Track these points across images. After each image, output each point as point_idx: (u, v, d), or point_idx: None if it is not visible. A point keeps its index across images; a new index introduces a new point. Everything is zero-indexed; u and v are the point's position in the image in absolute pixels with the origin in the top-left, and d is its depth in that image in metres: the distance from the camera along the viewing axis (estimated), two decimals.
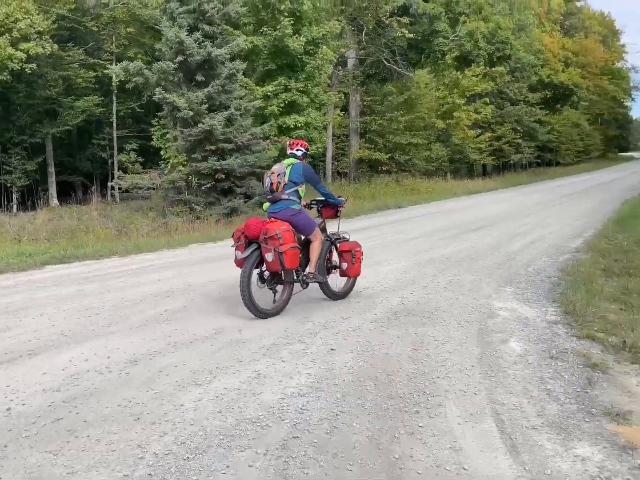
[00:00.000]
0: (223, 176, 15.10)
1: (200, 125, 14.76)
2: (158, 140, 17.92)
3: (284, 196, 6.05)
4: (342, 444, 3.25)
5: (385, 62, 25.86)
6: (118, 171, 19.76)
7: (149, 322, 5.71)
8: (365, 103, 28.25)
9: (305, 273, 6.18)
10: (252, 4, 17.93)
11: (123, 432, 3.40)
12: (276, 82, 17.89)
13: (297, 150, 6.42)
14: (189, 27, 15.38)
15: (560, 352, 4.66)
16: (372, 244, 10.39)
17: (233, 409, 3.70)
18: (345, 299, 6.58)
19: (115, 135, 24.28)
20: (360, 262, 6.60)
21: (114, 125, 24.28)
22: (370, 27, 25.41)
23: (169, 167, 16.37)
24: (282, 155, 16.10)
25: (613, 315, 5.53)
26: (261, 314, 5.77)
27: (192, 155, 15.31)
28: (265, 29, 17.85)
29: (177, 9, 15.67)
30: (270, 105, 17.70)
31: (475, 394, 3.90)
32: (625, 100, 78.03)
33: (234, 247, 5.96)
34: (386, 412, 3.65)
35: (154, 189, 16.60)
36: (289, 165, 6.20)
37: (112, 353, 4.77)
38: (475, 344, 4.90)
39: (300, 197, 6.20)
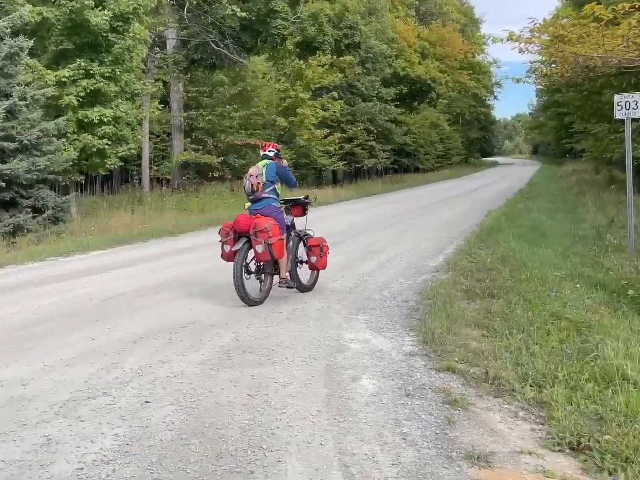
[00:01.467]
0: (3, 184, 14.23)
1: None
2: None
3: (264, 195, 8.01)
4: None
5: (213, 45, 25.82)
6: None
7: None
8: (190, 94, 28.08)
9: (280, 279, 8.07)
10: None
11: None
12: (74, 65, 17.20)
13: (270, 151, 8.34)
14: None
15: (418, 388, 4.87)
16: (204, 267, 10.22)
17: None
18: (167, 335, 6.52)
19: None
20: (327, 256, 8.68)
21: None
22: (194, 3, 25.37)
23: None
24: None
25: (475, 342, 5.89)
26: (251, 302, 7.68)
27: None
28: None
29: None
30: (67, 95, 16.99)
31: (321, 444, 3.95)
32: (487, 99, 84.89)
33: (223, 242, 7.85)
34: (213, 475, 3.60)
35: None
36: (264, 165, 8.14)
37: None
38: (322, 384, 5.00)
39: (278, 195, 8.20)
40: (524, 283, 8.21)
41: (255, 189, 7.99)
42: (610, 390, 4.52)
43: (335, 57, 35.91)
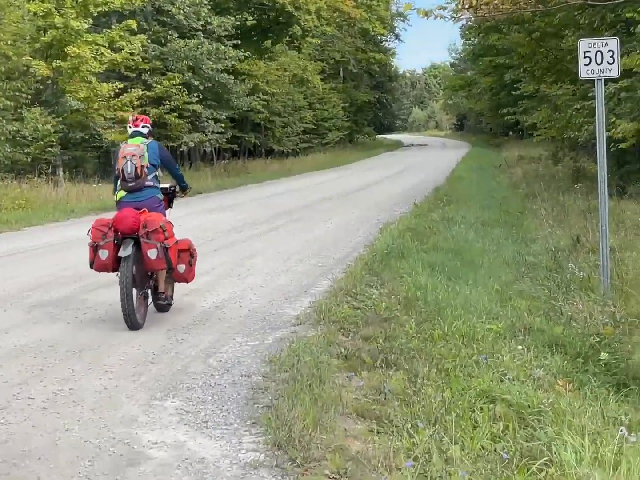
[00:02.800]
0: None
1: None
2: None
3: (148, 183, 8.15)
4: None
5: None
6: None
7: None
8: None
9: (159, 295, 8.45)
10: None
11: None
12: None
13: (144, 127, 8.59)
14: None
15: None
16: None
17: None
18: None
19: None
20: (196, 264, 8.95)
21: None
22: None
23: None
24: None
25: (358, 443, 5.49)
26: (138, 325, 8.06)
27: None
28: None
29: None
30: None
31: None
32: (385, 39, 76.84)
33: (98, 246, 7.87)
34: None
35: None
36: (145, 145, 8.29)
37: None
38: None
39: (159, 183, 8.50)
40: (439, 343, 7.76)
41: (140, 174, 8.07)
42: None
43: None
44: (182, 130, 33.70)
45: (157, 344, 8.15)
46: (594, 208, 14.80)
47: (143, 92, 30.55)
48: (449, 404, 6.00)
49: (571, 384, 6.94)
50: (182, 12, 33.02)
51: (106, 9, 27.42)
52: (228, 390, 6.67)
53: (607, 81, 11.13)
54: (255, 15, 40.72)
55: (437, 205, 20.51)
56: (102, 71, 27.65)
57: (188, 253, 8.62)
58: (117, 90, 28.14)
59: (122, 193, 8.18)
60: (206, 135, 35.55)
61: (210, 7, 35.03)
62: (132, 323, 7.97)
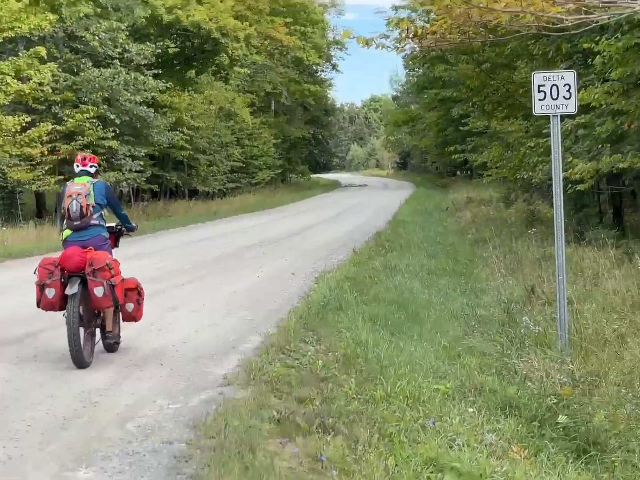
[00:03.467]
0: None
1: None
2: None
3: (93, 222, 9.03)
4: None
5: None
6: None
7: None
8: None
9: (106, 334, 9.31)
10: None
11: None
12: None
13: (91, 166, 9.45)
14: None
15: None
16: None
17: None
18: None
19: None
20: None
21: None
22: None
23: None
24: None
25: None
26: (86, 364, 8.85)
27: None
28: None
29: None
30: None
31: None
32: (321, 69, 74.96)
33: (44, 285, 8.69)
34: None
35: None
36: (91, 184, 9.21)
37: None
38: None
39: (105, 222, 9.33)
40: (382, 405, 7.73)
41: (85, 212, 8.90)
42: None
43: None
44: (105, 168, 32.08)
45: (68, 407, 7.94)
46: (549, 255, 15.01)
47: (53, 126, 29.54)
48: (393, 472, 5.96)
49: (527, 450, 6.96)
50: (97, 38, 31.72)
51: (12, 35, 26.61)
52: (148, 458, 6.52)
53: (564, 117, 11.17)
54: (178, 43, 39.94)
55: (378, 252, 20.24)
56: (7, 103, 26.90)
57: (136, 291, 9.44)
58: (24, 124, 27.30)
59: (67, 232, 9.02)
60: (123, 174, 34.18)
61: (128, 34, 33.88)
62: (79, 361, 8.71)
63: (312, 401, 7.77)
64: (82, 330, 8.78)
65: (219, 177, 47.65)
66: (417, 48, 10.37)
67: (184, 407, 7.86)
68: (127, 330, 11.25)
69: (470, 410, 7.79)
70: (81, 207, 8.86)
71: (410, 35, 9.21)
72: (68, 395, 8.41)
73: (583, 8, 6.83)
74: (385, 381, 8.33)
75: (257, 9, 47.03)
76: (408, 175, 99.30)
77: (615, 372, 9.43)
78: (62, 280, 8.66)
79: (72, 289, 8.55)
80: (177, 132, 39.29)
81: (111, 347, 9.58)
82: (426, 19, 9.44)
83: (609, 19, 7.92)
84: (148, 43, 34.99)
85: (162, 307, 13.51)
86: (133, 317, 9.66)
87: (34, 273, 8.86)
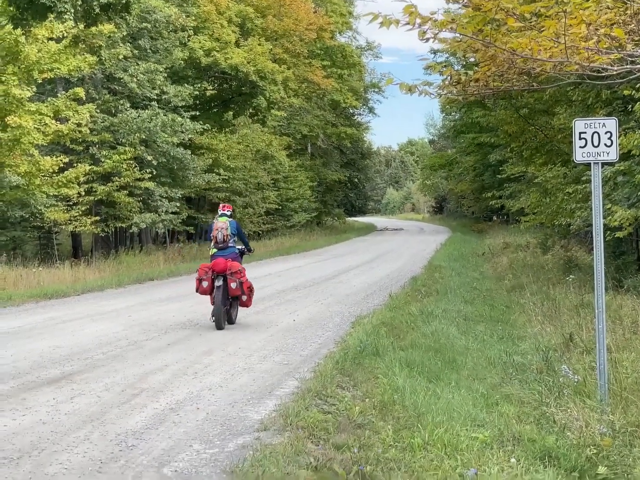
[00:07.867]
0: None
1: None
2: None
3: (230, 244, 15.13)
4: None
5: None
6: None
7: None
8: None
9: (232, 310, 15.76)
10: None
11: None
12: None
13: (227, 211, 15.74)
14: None
15: None
16: None
17: None
18: None
19: None
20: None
21: None
22: None
23: None
24: None
25: None
26: (221, 327, 14.84)
27: None
28: None
29: None
30: None
31: None
32: (357, 112, 74.39)
33: (202, 279, 14.90)
34: None
35: None
36: (229, 222, 15.26)
37: None
38: None
39: (236, 244, 15.44)
40: (420, 453, 7.57)
41: (226, 239, 14.90)
42: None
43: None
44: (132, 210, 32.15)
45: (104, 450, 7.87)
46: (587, 303, 14.51)
47: (90, 167, 29.22)
48: None
49: None
50: (135, 79, 31.23)
51: (52, 76, 26.19)
52: None
53: (603, 164, 10.84)
54: (216, 85, 39.70)
55: (414, 298, 19.81)
56: (45, 143, 26.61)
57: (249, 288, 15.26)
58: (61, 165, 27.06)
59: (214, 250, 15.05)
60: (159, 215, 33.65)
61: (166, 75, 33.34)
62: (219, 325, 14.61)
63: (350, 448, 7.70)
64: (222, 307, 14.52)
65: (254, 219, 46.73)
66: (456, 94, 10.17)
67: (221, 452, 7.78)
68: (162, 373, 11.37)
69: (512, 460, 7.63)
70: (224, 236, 14.89)
71: (454, 83, 9.11)
72: (105, 439, 8.34)
73: (628, 58, 6.81)
74: (423, 429, 8.25)
75: (294, 52, 46.19)
76: (444, 220, 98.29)
77: None
78: (212, 277, 14.62)
79: (219, 282, 14.52)
80: (214, 174, 38.62)
81: (232, 319, 15.33)
82: (464, 62, 9.35)
83: None
84: (186, 85, 34.54)
85: (197, 350, 13.41)
86: (246, 304, 15.34)
87: (197, 271, 15.02)
